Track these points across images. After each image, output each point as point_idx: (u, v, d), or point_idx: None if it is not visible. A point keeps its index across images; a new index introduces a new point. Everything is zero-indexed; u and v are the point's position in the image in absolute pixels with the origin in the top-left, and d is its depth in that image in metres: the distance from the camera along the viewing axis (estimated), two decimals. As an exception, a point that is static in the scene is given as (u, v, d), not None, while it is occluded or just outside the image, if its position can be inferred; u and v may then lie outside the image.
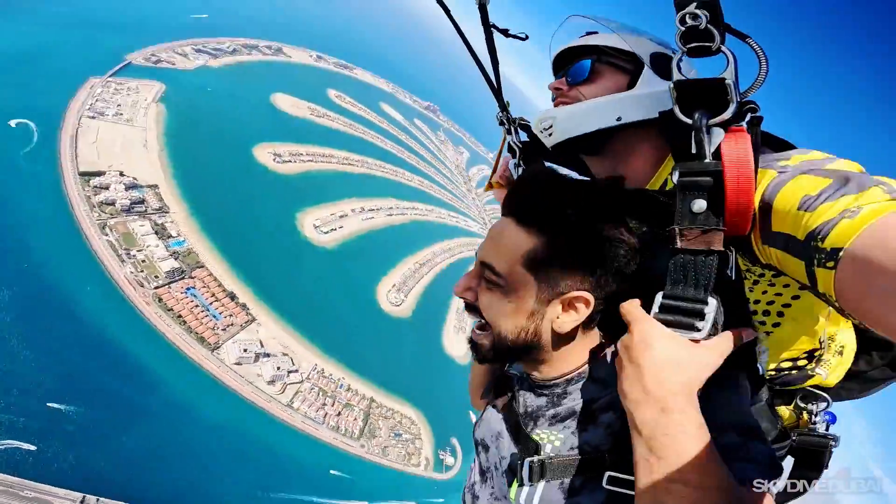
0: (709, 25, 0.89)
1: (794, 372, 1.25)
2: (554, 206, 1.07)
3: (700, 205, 0.95)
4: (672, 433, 0.83)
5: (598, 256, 1.08)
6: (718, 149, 0.95)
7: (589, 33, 1.45)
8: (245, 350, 68.66)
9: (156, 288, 65.28)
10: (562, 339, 1.17)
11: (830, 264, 0.77)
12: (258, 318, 75.59)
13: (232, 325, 70.63)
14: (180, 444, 57.49)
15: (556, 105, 1.42)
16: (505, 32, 1.67)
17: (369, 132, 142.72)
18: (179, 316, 65.27)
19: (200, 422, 60.55)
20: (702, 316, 0.94)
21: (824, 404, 1.30)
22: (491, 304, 1.14)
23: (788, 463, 1.34)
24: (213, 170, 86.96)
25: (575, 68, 1.39)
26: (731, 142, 0.94)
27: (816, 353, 1.21)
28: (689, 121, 0.96)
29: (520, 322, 1.13)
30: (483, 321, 1.17)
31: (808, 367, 1.23)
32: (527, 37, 1.65)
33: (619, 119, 1.32)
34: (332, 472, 70.80)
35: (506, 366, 1.47)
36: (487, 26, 1.57)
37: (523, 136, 1.88)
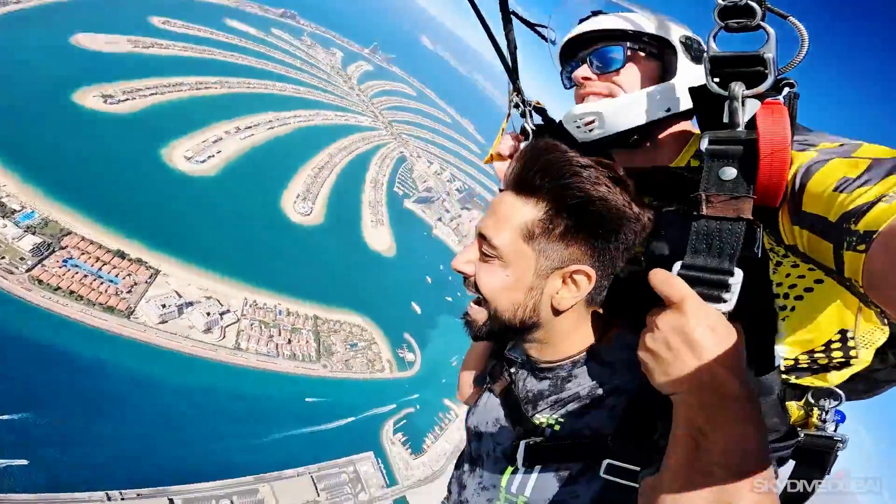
0: (749, 1, 0.91)
1: (822, 360, 1.20)
2: (554, 175, 1.05)
3: (730, 172, 0.95)
4: (735, 420, 0.81)
5: (602, 228, 1.06)
6: (752, 120, 0.96)
7: (594, 13, 1.41)
8: (164, 306, 63.86)
9: (27, 271, 56.36)
10: (563, 318, 1.15)
11: (861, 247, 0.77)
12: (161, 269, 68.97)
13: (135, 284, 64.10)
14: (153, 418, 55.63)
15: (584, 96, 1.36)
16: (525, 21, 1.67)
17: (219, 52, 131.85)
18: (72, 292, 57.70)
19: (158, 391, 58.25)
20: (727, 287, 0.92)
21: (836, 402, 1.26)
22: (487, 278, 1.13)
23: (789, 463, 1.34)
24: (34, 129, 72.31)
25: (603, 55, 1.34)
26: (766, 111, 0.95)
27: (833, 346, 1.16)
28: (724, 92, 0.97)
29: (517, 297, 1.11)
30: (480, 296, 1.15)
31: (835, 357, 1.18)
32: (552, 40, 1.60)
33: (668, 110, 1.30)
34: (307, 399, 72.72)
35: (506, 348, 1.45)
36: (506, 12, 1.57)
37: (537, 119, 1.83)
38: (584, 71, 1.36)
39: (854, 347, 1.13)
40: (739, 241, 0.94)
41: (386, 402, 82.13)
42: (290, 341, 76.53)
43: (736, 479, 0.76)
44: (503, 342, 1.46)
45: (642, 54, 1.33)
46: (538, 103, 1.82)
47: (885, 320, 0.98)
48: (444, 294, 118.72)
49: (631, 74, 1.33)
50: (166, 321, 63.72)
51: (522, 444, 1.13)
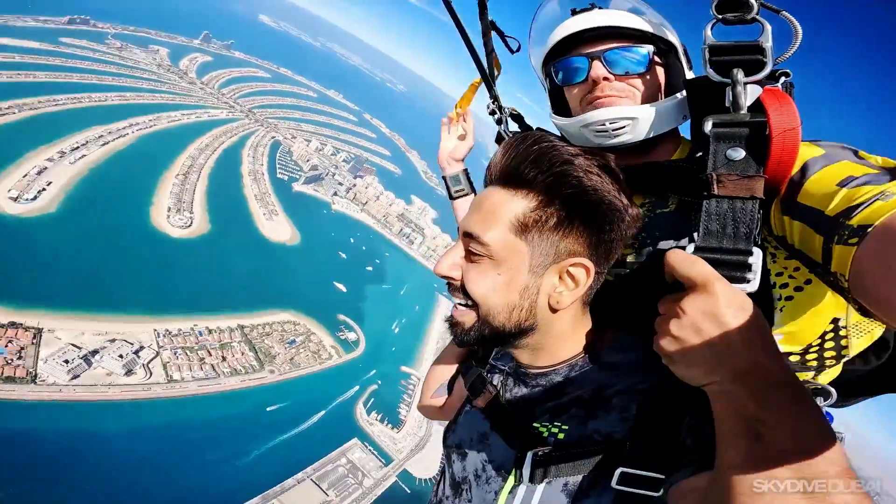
0: None
1: (811, 362, 1.22)
2: (545, 164, 1.02)
3: (739, 153, 0.99)
4: (791, 402, 0.77)
5: (596, 218, 1.04)
6: (754, 104, 1.03)
7: (591, 6, 1.41)
8: (67, 361, 58.78)
9: None
10: (560, 319, 1.11)
11: (854, 240, 0.80)
12: (43, 326, 62.13)
13: (23, 348, 57.96)
14: (123, 472, 53.31)
15: (598, 98, 1.33)
16: (501, 34, 1.80)
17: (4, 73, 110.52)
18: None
19: (111, 444, 55.31)
20: (748, 267, 0.93)
21: (827, 401, 1.23)
22: (477, 279, 1.06)
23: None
24: None
25: (625, 56, 1.32)
26: (771, 95, 1.02)
27: (827, 338, 1.19)
28: (727, 80, 1.04)
29: (511, 298, 1.06)
30: (470, 302, 1.08)
31: (828, 353, 1.20)
32: (519, 48, 1.74)
33: (685, 117, 1.34)
34: (268, 409, 71.82)
35: (490, 356, 1.39)
36: (485, 21, 1.71)
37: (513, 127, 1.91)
38: (602, 70, 1.32)
39: (846, 337, 1.16)
40: (755, 220, 0.95)
41: (347, 387, 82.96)
42: (224, 358, 73.52)
43: (814, 461, 0.72)
44: (492, 348, 1.37)
45: (658, 58, 1.34)
46: (514, 110, 1.87)
47: (867, 316, 0.97)
48: (364, 265, 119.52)
49: (652, 78, 1.34)
50: (78, 375, 58.93)
51: (530, 454, 1.04)
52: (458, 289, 1.10)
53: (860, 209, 0.82)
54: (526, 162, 1.03)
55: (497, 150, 1.11)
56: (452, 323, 1.14)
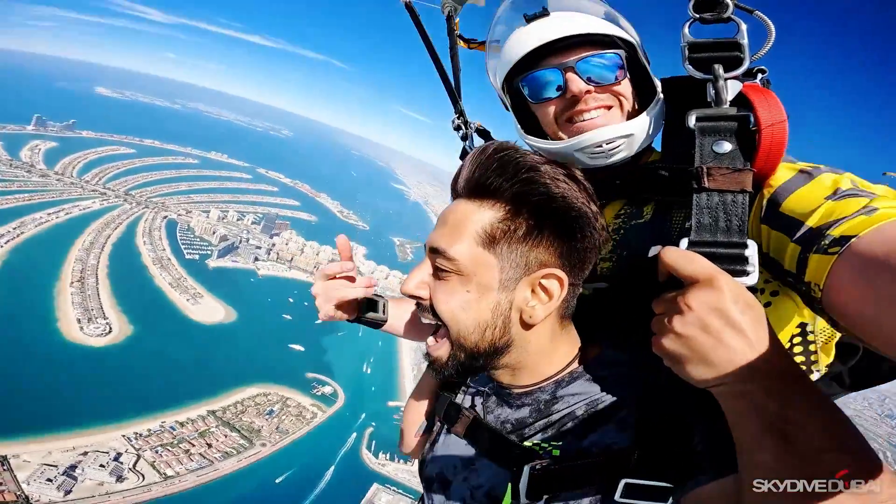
0: None
1: None
2: (511, 173, 1.03)
3: (726, 146, 1.03)
4: (812, 398, 0.77)
5: (566, 226, 1.05)
6: (737, 99, 1.08)
7: (543, 12, 1.36)
8: (50, 480, 58.37)
9: None
10: (537, 335, 1.11)
11: (834, 249, 0.83)
12: (6, 453, 60.57)
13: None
14: None
15: (583, 113, 1.32)
16: (468, 42, 1.84)
17: None
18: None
19: None
20: (745, 260, 0.95)
21: None
22: (445, 298, 1.06)
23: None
24: None
25: (601, 64, 1.31)
26: (754, 89, 1.07)
27: (794, 343, 1.22)
28: (708, 76, 1.08)
29: (483, 316, 1.05)
30: (439, 322, 1.08)
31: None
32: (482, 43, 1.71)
33: (661, 125, 1.36)
34: (277, 480, 72.52)
35: (463, 383, 1.38)
36: (452, 36, 1.77)
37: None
38: (580, 83, 1.30)
39: (814, 342, 1.20)
40: (746, 213, 0.99)
41: (344, 438, 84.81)
42: (210, 445, 73.02)
43: (857, 459, 0.72)
44: (471, 375, 1.33)
45: (627, 60, 1.35)
46: (480, 126, 1.93)
47: (834, 328, 1.01)
48: (312, 320, 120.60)
49: (626, 83, 1.35)
50: (70, 490, 57.97)
51: (527, 468, 1.02)
52: (426, 308, 1.10)
53: (843, 221, 0.86)
54: (490, 171, 1.04)
55: (461, 164, 1.10)
56: (430, 360, 1.14)
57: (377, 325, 1.75)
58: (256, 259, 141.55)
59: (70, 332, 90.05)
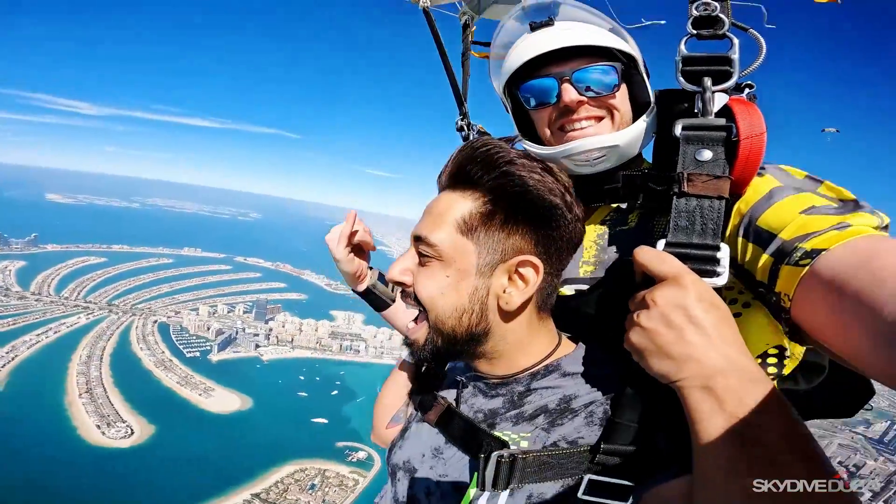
0: (720, 14, 1.17)
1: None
2: (490, 165, 1.12)
3: (707, 154, 1.12)
4: (769, 404, 0.80)
5: (541, 215, 1.13)
6: (722, 111, 1.17)
7: (549, 21, 1.46)
8: None
9: None
10: (515, 324, 1.18)
11: (805, 262, 0.90)
12: None
13: None
14: None
15: (572, 122, 1.42)
16: (480, 44, 1.96)
17: None
18: None
19: None
20: (717, 261, 1.02)
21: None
22: (426, 282, 1.14)
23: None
24: None
25: (597, 76, 1.40)
26: (739, 102, 1.16)
27: (769, 360, 1.28)
28: (698, 88, 1.18)
29: (461, 301, 1.13)
30: (420, 308, 1.16)
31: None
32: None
33: (654, 135, 1.45)
34: None
35: (440, 372, 1.44)
36: (466, 43, 1.91)
37: None
38: (573, 93, 1.39)
39: (789, 358, 1.27)
40: (721, 217, 1.07)
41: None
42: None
43: (808, 467, 0.76)
44: (448, 361, 1.43)
45: (624, 73, 1.43)
46: (482, 129, 2.03)
47: (799, 340, 1.07)
48: (328, 392, 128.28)
49: (622, 97, 1.43)
50: None
51: (494, 455, 1.07)
52: (409, 294, 1.18)
53: (815, 235, 0.92)
54: (471, 163, 1.14)
55: (450, 155, 1.20)
56: (408, 342, 1.23)
57: (384, 304, 1.93)
58: (257, 346, 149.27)
59: (93, 437, 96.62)
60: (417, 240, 1.17)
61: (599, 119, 1.43)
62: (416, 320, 1.20)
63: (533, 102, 1.49)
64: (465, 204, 1.14)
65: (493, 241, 1.13)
